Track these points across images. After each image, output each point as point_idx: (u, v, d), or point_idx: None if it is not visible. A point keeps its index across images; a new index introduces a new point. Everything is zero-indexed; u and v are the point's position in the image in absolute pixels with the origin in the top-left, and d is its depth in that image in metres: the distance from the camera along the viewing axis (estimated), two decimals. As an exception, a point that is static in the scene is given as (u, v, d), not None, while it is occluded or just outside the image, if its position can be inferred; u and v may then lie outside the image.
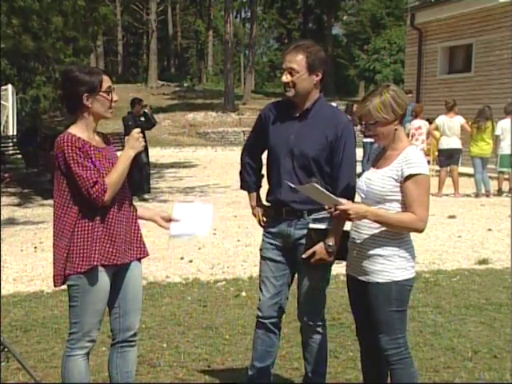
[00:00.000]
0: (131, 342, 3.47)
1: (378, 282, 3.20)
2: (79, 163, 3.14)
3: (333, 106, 3.87)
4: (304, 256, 3.52)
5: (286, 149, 3.57)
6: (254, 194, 3.87)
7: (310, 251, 3.50)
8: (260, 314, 3.78)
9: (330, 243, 3.48)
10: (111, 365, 3.48)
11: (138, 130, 3.32)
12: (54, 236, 3.29)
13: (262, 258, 3.77)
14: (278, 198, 3.62)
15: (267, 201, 3.77)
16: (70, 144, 3.15)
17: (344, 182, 3.51)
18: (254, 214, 3.86)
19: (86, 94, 3.20)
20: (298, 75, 3.49)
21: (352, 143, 3.58)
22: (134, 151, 3.25)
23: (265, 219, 3.78)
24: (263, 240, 3.77)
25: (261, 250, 3.79)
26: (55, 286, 3.31)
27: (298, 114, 3.60)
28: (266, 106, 3.78)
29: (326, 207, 3.23)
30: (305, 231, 3.55)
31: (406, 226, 3.16)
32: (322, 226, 3.53)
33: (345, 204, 3.14)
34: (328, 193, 3.16)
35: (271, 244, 3.70)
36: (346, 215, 3.12)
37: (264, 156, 3.82)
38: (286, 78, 3.52)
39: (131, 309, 3.43)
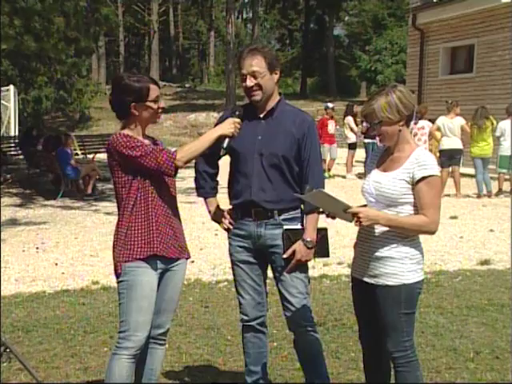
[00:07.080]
0: (160, 340, 3.52)
1: (387, 285, 3.15)
2: (137, 146, 3.21)
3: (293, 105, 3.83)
4: (285, 256, 3.53)
5: (255, 150, 3.55)
6: (212, 199, 3.83)
7: (290, 251, 3.52)
8: (245, 317, 3.73)
9: (308, 239, 3.51)
10: (138, 359, 3.48)
11: (236, 119, 3.39)
12: (117, 228, 3.33)
13: (235, 261, 3.74)
14: (247, 199, 3.58)
15: (232, 204, 3.73)
16: (122, 139, 3.22)
17: (313, 179, 3.51)
18: (215, 220, 3.80)
19: (133, 104, 3.26)
20: (261, 76, 3.47)
21: (317, 141, 3.62)
22: (221, 131, 3.35)
23: (229, 222, 3.72)
24: (231, 244, 3.74)
25: (231, 254, 3.76)
26: (118, 277, 3.34)
27: (262, 115, 3.59)
28: (225, 113, 3.73)
29: (326, 213, 3.20)
30: (276, 231, 3.55)
31: (418, 229, 3.14)
32: (296, 226, 3.55)
33: (354, 207, 3.10)
34: (336, 197, 3.11)
35: (241, 247, 3.68)
36: (356, 219, 3.07)
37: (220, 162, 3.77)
38: (250, 81, 3.48)
39: (166, 308, 3.47)
